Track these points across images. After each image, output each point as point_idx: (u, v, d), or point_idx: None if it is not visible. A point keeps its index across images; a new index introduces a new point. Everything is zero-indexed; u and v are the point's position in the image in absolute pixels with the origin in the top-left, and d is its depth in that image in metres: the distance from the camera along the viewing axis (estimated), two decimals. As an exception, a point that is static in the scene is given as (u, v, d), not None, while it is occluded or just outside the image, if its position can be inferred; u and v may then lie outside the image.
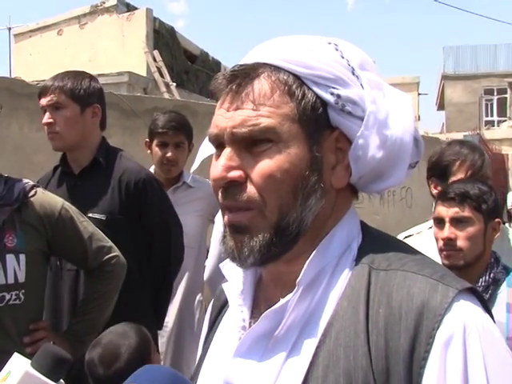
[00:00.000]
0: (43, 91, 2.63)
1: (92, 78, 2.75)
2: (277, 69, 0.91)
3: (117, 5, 14.73)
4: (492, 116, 25.60)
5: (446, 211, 2.21)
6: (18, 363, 1.03)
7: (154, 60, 13.31)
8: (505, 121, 22.56)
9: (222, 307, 1.08)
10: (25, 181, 2.23)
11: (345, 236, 0.94)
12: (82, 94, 2.65)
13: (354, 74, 0.94)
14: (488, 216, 2.19)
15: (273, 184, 0.89)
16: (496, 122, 24.38)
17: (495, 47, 27.56)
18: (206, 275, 3.07)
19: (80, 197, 2.60)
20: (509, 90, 23.59)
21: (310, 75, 0.91)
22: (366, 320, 0.85)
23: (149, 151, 3.41)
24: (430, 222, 2.90)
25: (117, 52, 14.22)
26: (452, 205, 2.20)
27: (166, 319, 3.29)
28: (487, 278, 2.17)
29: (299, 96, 0.90)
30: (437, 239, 2.24)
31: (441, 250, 2.21)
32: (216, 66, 18.02)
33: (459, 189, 2.20)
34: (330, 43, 0.95)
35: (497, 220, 2.24)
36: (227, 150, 0.92)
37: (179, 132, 3.32)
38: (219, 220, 3.02)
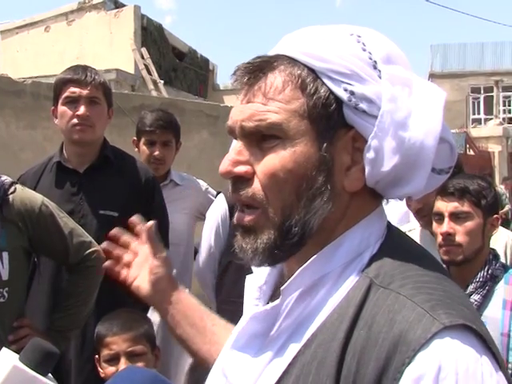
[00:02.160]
0: (80, 81, 2.59)
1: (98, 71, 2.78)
2: (293, 61, 0.88)
3: (104, 2, 14.66)
4: (479, 114, 25.69)
5: (446, 206, 2.20)
6: (6, 358, 1.03)
7: (142, 57, 13.28)
8: (491, 119, 22.67)
9: None
10: (3, 177, 2.21)
11: (356, 244, 0.88)
12: (110, 94, 2.71)
13: (375, 67, 0.87)
14: (487, 211, 2.20)
15: (275, 183, 0.86)
16: (483, 120, 24.48)
17: (482, 46, 27.65)
18: (195, 268, 3.11)
19: (88, 194, 2.59)
20: (495, 88, 23.69)
21: (324, 69, 0.86)
22: (347, 339, 0.79)
23: (136, 149, 3.41)
24: None
25: (104, 49, 14.16)
26: (451, 200, 2.19)
27: (153, 317, 3.30)
28: (485, 273, 2.17)
29: (311, 91, 0.86)
30: (436, 234, 2.24)
31: (440, 246, 2.21)
32: (204, 63, 17.99)
33: (459, 184, 2.19)
34: (352, 34, 0.89)
35: (495, 216, 2.25)
36: (238, 144, 0.90)
37: (167, 130, 3.32)
38: (210, 215, 3.04)
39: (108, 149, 2.71)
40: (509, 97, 25.54)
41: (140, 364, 2.09)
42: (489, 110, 24.66)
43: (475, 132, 19.35)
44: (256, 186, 0.87)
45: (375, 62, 0.87)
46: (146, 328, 2.23)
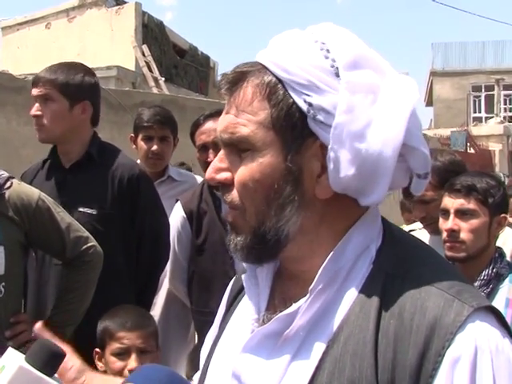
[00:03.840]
0: (35, 81, 2.60)
1: (86, 72, 2.70)
2: (264, 70, 0.90)
3: (105, -2, 14.66)
4: (480, 112, 25.69)
5: (452, 203, 2.19)
6: (13, 358, 1.03)
7: (143, 54, 13.28)
8: (492, 117, 22.67)
9: (238, 292, 1.08)
10: (0, 172, 2.21)
11: (362, 238, 0.91)
12: (73, 89, 2.61)
13: (338, 75, 0.86)
14: (494, 210, 2.17)
15: (247, 192, 0.90)
16: (484, 119, 24.47)
17: (483, 44, 27.66)
18: (168, 281, 3.09)
19: (70, 191, 2.59)
20: (496, 86, 23.69)
21: (288, 80, 0.87)
22: (376, 329, 0.83)
23: (134, 146, 3.41)
24: None
25: (105, 46, 14.15)
26: (458, 196, 2.18)
27: (153, 313, 3.30)
28: (490, 272, 2.15)
29: (276, 101, 0.87)
30: (441, 230, 2.23)
31: (444, 241, 2.20)
32: (205, 60, 17.98)
33: (466, 181, 2.18)
34: (316, 41, 0.89)
35: (503, 215, 2.22)
36: (220, 152, 0.94)
37: (164, 126, 3.32)
38: (171, 225, 2.95)
39: (94, 146, 2.68)
40: (510, 95, 25.53)
41: (148, 362, 2.11)
42: (490, 109, 24.67)
43: (476, 130, 19.34)
44: (234, 193, 0.92)
45: (337, 68, 0.87)
46: (155, 327, 2.28)
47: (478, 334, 0.80)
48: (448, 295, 0.82)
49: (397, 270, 0.87)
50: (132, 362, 2.11)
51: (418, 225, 2.95)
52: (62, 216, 2.30)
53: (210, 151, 2.79)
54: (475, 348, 0.79)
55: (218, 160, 0.93)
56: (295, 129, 0.87)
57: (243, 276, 1.03)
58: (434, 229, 2.56)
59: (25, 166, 2.80)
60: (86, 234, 2.34)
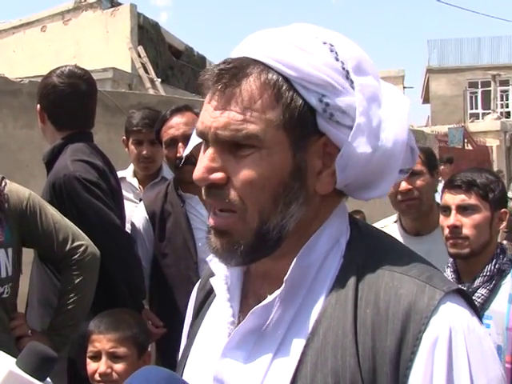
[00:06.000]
0: None
1: (50, 74, 2.65)
2: (266, 68, 0.87)
3: (100, 1, 14.63)
4: (476, 109, 25.74)
5: (453, 199, 2.19)
6: (2, 362, 0.99)
7: (139, 56, 13.25)
8: (489, 113, 22.67)
9: (206, 297, 1.06)
10: None
11: (334, 232, 0.93)
12: (39, 97, 2.65)
13: (347, 78, 0.89)
14: (495, 205, 2.18)
15: (253, 191, 0.87)
16: (480, 115, 24.49)
17: (479, 40, 27.71)
18: None
19: None
20: (493, 82, 23.70)
21: (299, 79, 0.86)
22: (354, 320, 0.85)
23: (126, 149, 3.40)
24: (396, 216, 2.92)
25: (101, 48, 14.13)
26: (459, 192, 2.18)
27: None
28: (492, 267, 2.15)
29: (287, 100, 0.86)
30: (443, 227, 2.23)
31: (447, 239, 2.19)
32: (201, 61, 17.97)
33: (466, 177, 2.19)
34: (325, 43, 0.89)
35: (503, 210, 2.23)
36: (210, 151, 0.89)
37: (153, 129, 3.30)
38: (136, 224, 2.79)
39: (48, 151, 2.62)
40: (506, 91, 25.57)
41: (120, 366, 2.13)
42: (486, 105, 24.69)
43: (473, 127, 19.33)
44: (232, 193, 0.88)
45: (347, 72, 0.89)
46: (134, 332, 2.20)
47: (451, 315, 0.84)
48: (419, 281, 0.85)
49: (367, 261, 0.89)
50: (102, 365, 2.13)
51: (388, 220, 2.97)
52: (53, 213, 2.29)
53: (180, 145, 2.62)
54: (449, 329, 0.83)
55: (210, 159, 0.88)
56: (305, 127, 0.88)
57: (211, 280, 1.01)
58: (410, 206, 2.63)
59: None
60: (78, 232, 2.30)
